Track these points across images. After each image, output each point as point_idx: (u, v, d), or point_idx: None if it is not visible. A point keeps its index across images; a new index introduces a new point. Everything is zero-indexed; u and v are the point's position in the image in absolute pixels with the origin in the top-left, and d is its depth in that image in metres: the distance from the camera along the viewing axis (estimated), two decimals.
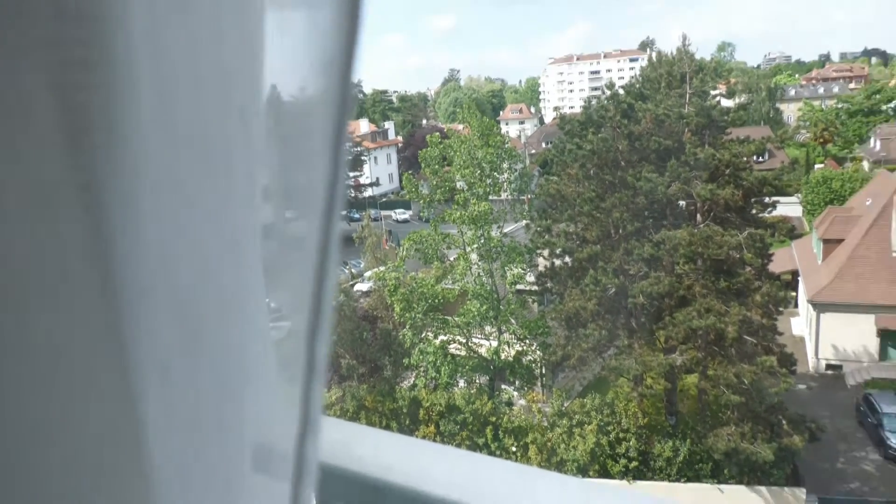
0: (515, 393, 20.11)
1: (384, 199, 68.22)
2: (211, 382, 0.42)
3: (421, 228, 20.91)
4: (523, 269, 19.37)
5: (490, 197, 20.71)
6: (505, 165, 20.61)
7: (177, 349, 0.38)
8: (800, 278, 20.10)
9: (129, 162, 0.33)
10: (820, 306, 16.85)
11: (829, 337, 16.67)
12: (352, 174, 60.94)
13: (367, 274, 33.57)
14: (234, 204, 0.47)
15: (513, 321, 19.88)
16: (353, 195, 61.83)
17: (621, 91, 19.08)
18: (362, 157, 66.42)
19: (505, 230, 21.53)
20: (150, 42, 0.32)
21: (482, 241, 19.55)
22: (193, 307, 0.40)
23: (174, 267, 0.38)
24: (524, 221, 21.54)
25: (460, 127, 32.21)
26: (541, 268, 20.20)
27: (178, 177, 0.38)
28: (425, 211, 21.56)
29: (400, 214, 65.08)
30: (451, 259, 21.20)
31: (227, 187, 0.45)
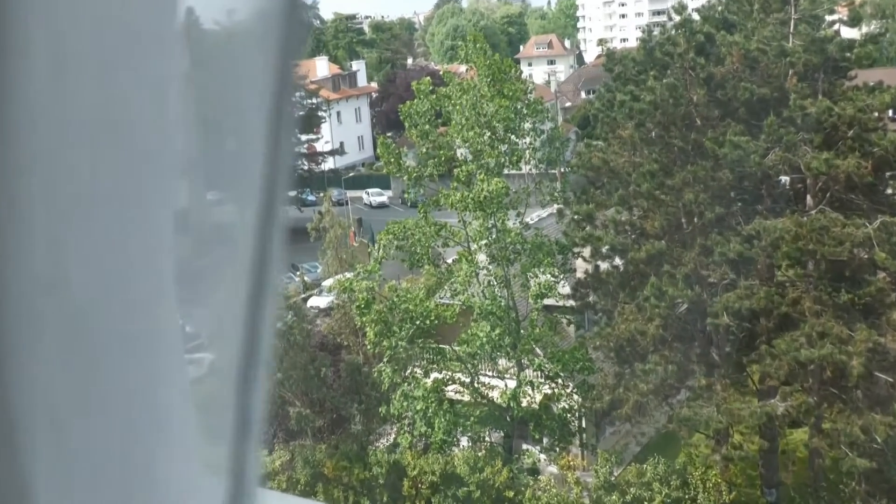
0: (542, 456, 20.04)
1: (352, 175, 67.58)
2: (114, 441, 0.43)
3: (405, 217, 21.10)
4: (554, 276, 19.34)
5: (506, 171, 20.75)
6: (527, 125, 20.40)
7: (69, 393, 0.39)
8: None
9: (15, 160, 0.36)
10: None
11: None
12: (303, 138, 58.52)
13: (327, 283, 34.47)
14: (145, 199, 0.47)
15: (539, 352, 19.80)
16: (305, 168, 59.54)
17: (696, 16, 18.83)
18: (319, 113, 64.57)
19: (528, 219, 21.66)
20: (46, 27, 0.36)
21: (494, 235, 19.44)
22: (89, 337, 0.41)
23: (65, 285, 0.40)
24: (555, 206, 21.46)
25: (462, 69, 31.96)
26: (580, 274, 20.20)
27: (75, 171, 0.41)
28: (411, 191, 22.11)
29: (375, 196, 65.63)
30: (450, 262, 21.48)
31: (138, 178, 0.46)
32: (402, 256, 20.55)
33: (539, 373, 19.79)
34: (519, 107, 20.34)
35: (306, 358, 20.77)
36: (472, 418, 19.42)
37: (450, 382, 20.17)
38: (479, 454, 18.00)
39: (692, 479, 15.83)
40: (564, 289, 20.39)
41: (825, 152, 15.92)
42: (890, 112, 19.87)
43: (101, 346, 0.41)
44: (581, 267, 20.55)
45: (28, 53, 0.36)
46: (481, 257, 20.15)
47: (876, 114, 16.22)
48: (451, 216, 21.71)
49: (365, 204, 65.49)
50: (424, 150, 20.88)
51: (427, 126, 20.71)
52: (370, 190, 66.75)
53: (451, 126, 20.68)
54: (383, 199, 65.29)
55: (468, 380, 20.18)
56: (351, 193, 63.30)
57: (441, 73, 24.00)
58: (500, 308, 19.20)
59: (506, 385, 19.97)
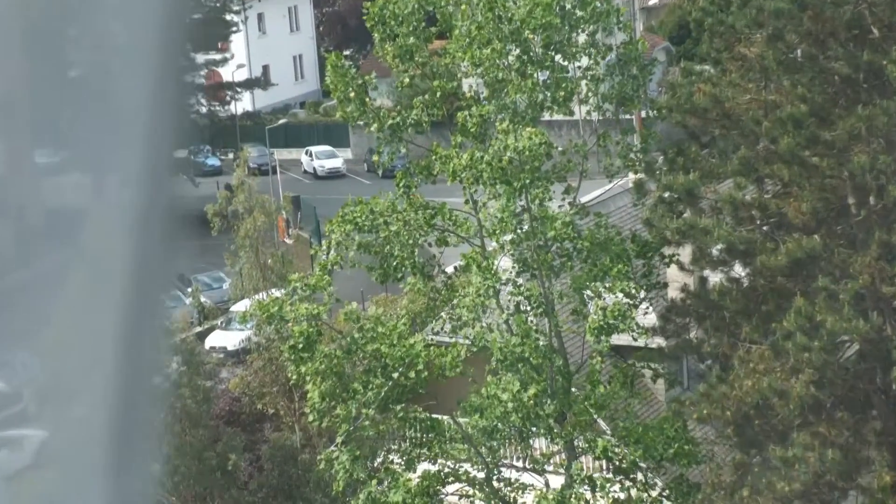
0: None
1: (283, 123, 65.89)
2: None
3: (373, 194, 21.06)
4: (630, 297, 19.80)
5: (546, 116, 21.16)
6: (583, 37, 20.51)
7: None
8: None
9: None
10: None
11: None
12: (199, 59, 60.34)
13: (240, 307, 35.94)
14: None
15: (603, 426, 20.56)
16: (203, 111, 60.65)
17: None
18: (228, 17, 63.53)
19: (584, 199, 22.77)
20: None
21: (526, 225, 19.91)
22: None
23: None
24: (631, 176, 22.25)
25: None
26: (674, 292, 20.80)
27: None
28: (383, 151, 21.78)
29: (323, 160, 65.84)
30: (450, 270, 22.09)
31: None
32: (367, 261, 20.87)
33: (604, 463, 20.27)
34: (568, 6, 20.36)
35: (203, 438, 20.18)
36: None
37: (450, 480, 20.27)
38: None
39: None
40: (648, 317, 20.48)
41: None
42: None
43: None
44: (676, 280, 20.70)
45: None
46: (505, 263, 20.30)
47: None
48: (451, 193, 21.99)
49: (306, 172, 65.42)
50: (407, 80, 21.04)
51: (412, 39, 20.66)
52: (315, 149, 66.13)
53: (452, 39, 20.72)
54: (337, 163, 64.95)
55: (482, 475, 20.26)
56: (282, 154, 63.17)
57: None
58: (537, 351, 19.13)
59: (547, 485, 20.23)
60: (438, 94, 20.67)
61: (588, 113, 21.45)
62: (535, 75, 20.27)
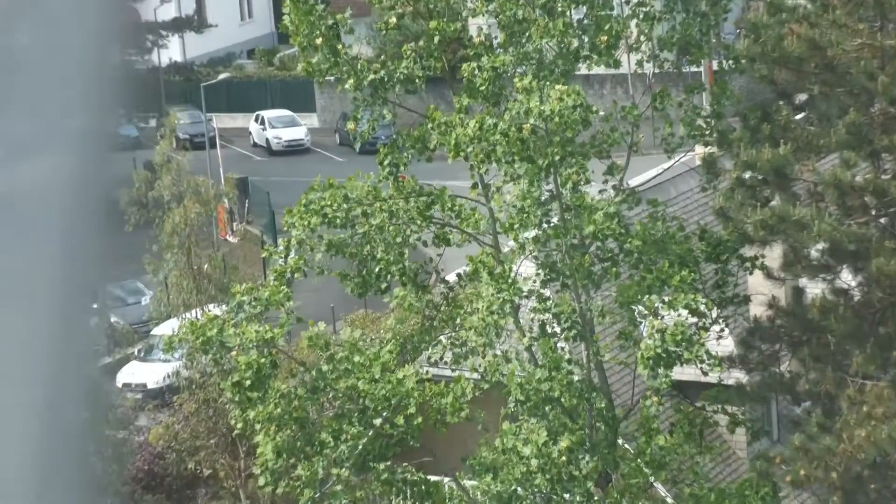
0: None
1: (224, 77, 67.70)
2: None
3: (348, 174, 21.44)
4: (698, 314, 19.90)
5: (583, 69, 21.59)
6: None
7: None
8: None
9: None
10: None
11: None
12: None
13: (164, 329, 35.84)
14: None
15: (661, 491, 20.65)
16: (118, 63, 62.19)
17: None
18: None
19: (634, 180, 23.13)
20: None
21: (553, 218, 20.31)
22: None
23: None
24: (698, 150, 22.75)
25: None
26: (757, 309, 21.10)
27: None
28: (361, 116, 22.41)
29: (279, 129, 67.79)
30: (452, 278, 22.59)
31: None
32: (340, 267, 21.15)
33: None
34: None
35: None
36: None
37: None
38: None
39: None
40: (723, 343, 20.44)
41: None
42: None
43: None
44: (761, 292, 20.85)
45: None
46: (526, 268, 20.43)
47: None
48: (454, 174, 22.28)
49: (256, 146, 67.07)
50: (394, 19, 21.26)
51: None
52: (268, 115, 67.65)
53: None
54: (298, 134, 66.34)
55: None
56: (223, 122, 64.54)
57: None
58: (571, 388, 19.23)
59: None
60: (437, 39, 20.68)
61: (640, 64, 21.45)
62: (568, 13, 20.30)
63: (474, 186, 20.80)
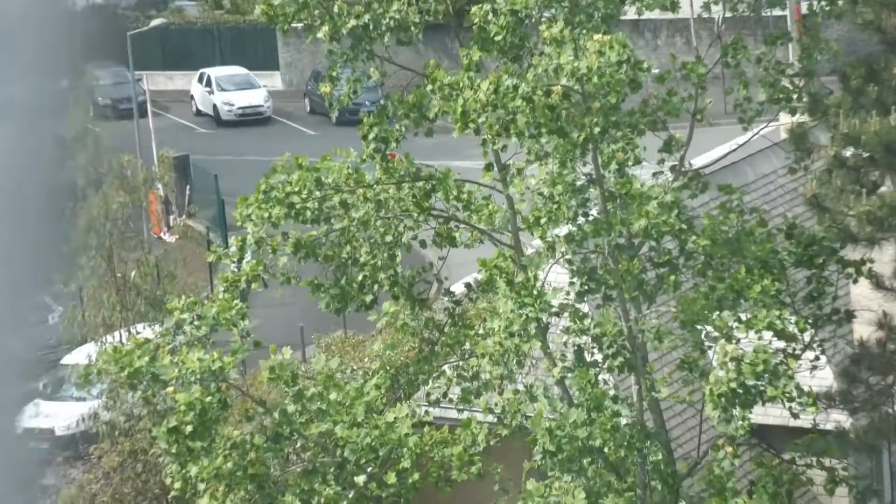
0: None
1: (157, 24, 69.94)
2: None
3: (323, 154, 21.83)
4: (785, 334, 20.18)
5: (630, 11, 21.86)
6: None
7: None
8: None
9: None
10: None
11: None
12: None
13: (79, 355, 36.67)
14: None
15: None
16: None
17: None
18: None
19: (699, 161, 23.39)
20: None
21: (592, 209, 20.80)
22: None
23: None
24: (784, 118, 23.00)
25: None
26: (864, 328, 21.43)
27: None
28: (337, 76, 22.74)
29: (231, 93, 71.56)
30: (458, 289, 23.19)
31: None
32: (312, 274, 21.37)
33: None
34: None
35: None
36: None
37: None
38: None
39: None
40: (821, 376, 20.55)
41: None
42: None
43: None
44: (869, 306, 21.07)
45: None
46: (558, 276, 20.79)
47: None
48: (460, 153, 21.52)
49: (200, 113, 71.09)
50: None
51: None
52: (216, 73, 71.82)
53: None
54: (256, 98, 70.31)
55: None
56: (157, 82, 67.69)
57: None
58: (618, 435, 19.29)
59: None
60: None
61: (706, 6, 21.43)
62: None
63: (488, 168, 20.83)
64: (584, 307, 20.14)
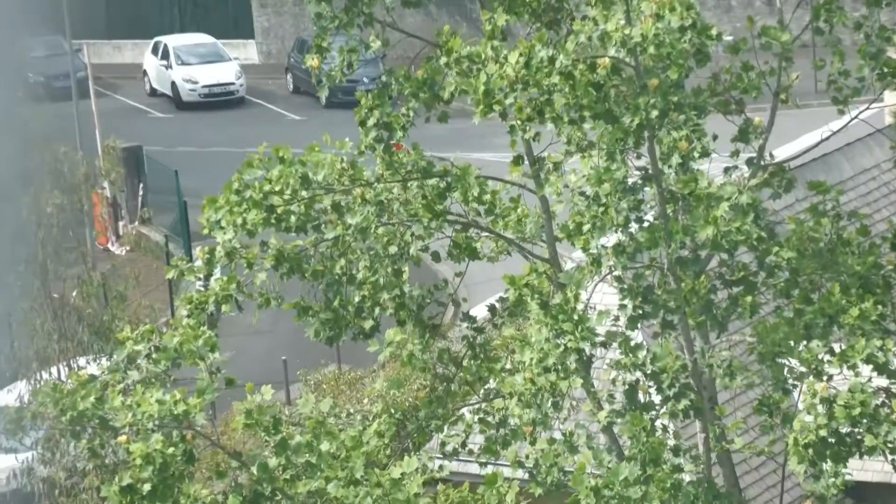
0: None
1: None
2: None
3: (310, 144, 21.97)
4: (891, 369, 19.77)
5: None
6: None
7: None
8: None
9: None
10: None
11: None
12: None
13: (8, 395, 35.82)
14: None
15: None
16: None
17: None
18: None
19: (781, 152, 23.17)
20: None
21: (647, 213, 20.92)
22: None
23: None
24: (889, 97, 23.02)
25: None
26: None
27: None
28: (326, 46, 22.49)
29: (194, 67, 73.14)
30: (479, 314, 23.40)
31: None
32: (296, 295, 21.46)
33: None
34: None
35: None
36: None
37: None
38: None
39: None
40: None
41: None
42: None
43: None
44: None
45: None
46: (602, 297, 21.11)
47: None
48: (481, 144, 21.39)
49: (156, 93, 72.91)
50: None
51: None
52: (174, 42, 72.97)
53: None
54: (225, 75, 71.88)
55: None
56: (101, 55, 69.06)
57: None
58: (680, 495, 19.29)
59: None
60: None
61: None
62: None
63: (517, 162, 20.86)
64: (638, 336, 20.36)
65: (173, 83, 65.91)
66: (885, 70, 20.88)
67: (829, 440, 18.92)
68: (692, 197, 19.40)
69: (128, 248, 50.20)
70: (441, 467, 20.99)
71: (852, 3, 21.53)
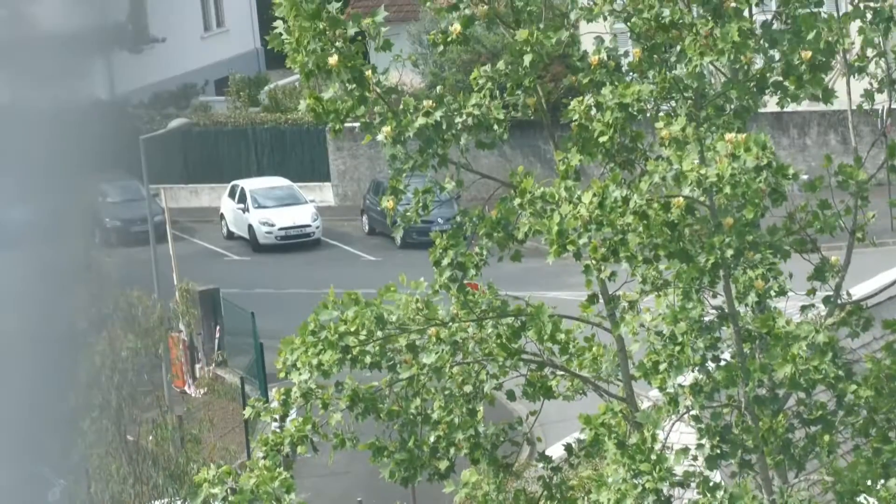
0: None
1: (178, 124, 69.76)
2: None
3: (385, 284, 21.74)
4: None
5: (772, 101, 21.76)
6: None
7: None
8: None
9: None
10: None
11: None
12: None
13: None
14: None
15: None
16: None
17: None
18: None
19: (861, 289, 23.32)
20: None
21: (724, 353, 20.74)
22: None
23: None
24: None
25: None
26: None
27: None
28: (403, 187, 22.21)
29: (271, 209, 73.91)
30: (555, 454, 23.16)
31: None
32: (371, 435, 21.20)
33: None
34: None
35: None
36: None
37: None
38: None
39: None
40: None
41: None
42: None
43: None
44: None
45: None
46: (679, 436, 20.73)
47: None
48: (552, 281, 21.20)
49: (233, 236, 74.01)
50: (456, 27, 21.13)
51: None
52: (251, 185, 73.24)
53: None
54: (302, 217, 72.44)
55: None
56: (177, 199, 70.05)
57: None
58: None
59: None
60: (528, 58, 20.68)
61: (868, 95, 21.12)
62: (747, 12, 20.21)
63: (591, 301, 20.79)
64: (716, 476, 19.99)
65: (250, 226, 66.26)
66: None
67: None
68: (769, 336, 19.28)
69: (203, 390, 50.32)
70: None
71: None
